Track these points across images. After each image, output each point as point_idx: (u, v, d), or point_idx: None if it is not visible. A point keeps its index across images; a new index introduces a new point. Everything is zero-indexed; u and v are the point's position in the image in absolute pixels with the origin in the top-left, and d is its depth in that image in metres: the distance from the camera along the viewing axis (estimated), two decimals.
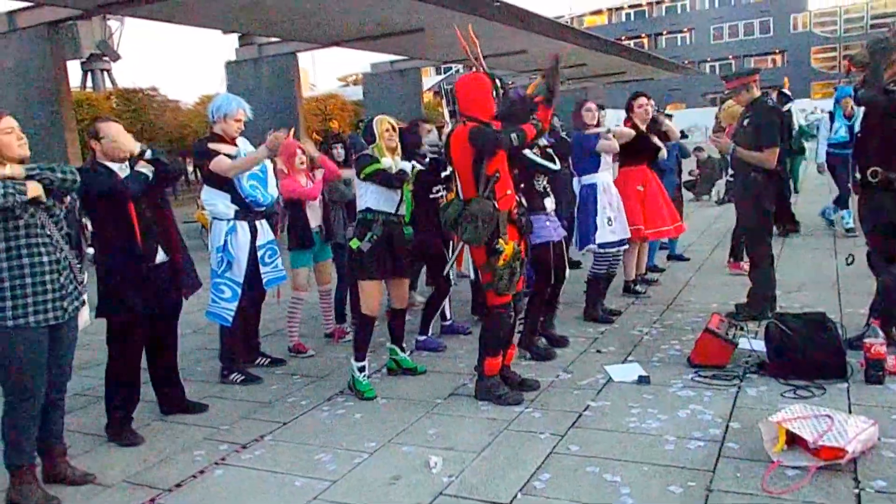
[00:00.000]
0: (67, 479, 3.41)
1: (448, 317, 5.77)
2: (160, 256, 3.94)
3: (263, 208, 4.76)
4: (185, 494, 3.29)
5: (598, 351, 5.04)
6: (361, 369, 4.49)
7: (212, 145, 4.50)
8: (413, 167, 4.63)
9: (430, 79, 32.84)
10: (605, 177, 5.78)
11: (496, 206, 3.97)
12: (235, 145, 4.63)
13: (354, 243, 4.44)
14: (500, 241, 3.98)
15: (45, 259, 3.14)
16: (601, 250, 5.77)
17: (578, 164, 5.83)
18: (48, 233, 3.16)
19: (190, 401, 4.39)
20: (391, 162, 4.44)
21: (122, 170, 3.83)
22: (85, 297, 3.47)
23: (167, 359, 4.26)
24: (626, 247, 6.02)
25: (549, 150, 4.94)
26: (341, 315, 6.06)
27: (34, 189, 3.08)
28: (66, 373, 3.41)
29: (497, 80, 4.04)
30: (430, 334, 5.44)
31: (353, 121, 23.38)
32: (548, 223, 4.87)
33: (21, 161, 3.15)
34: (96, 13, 10.72)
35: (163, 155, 3.97)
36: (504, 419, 3.91)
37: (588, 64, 18.75)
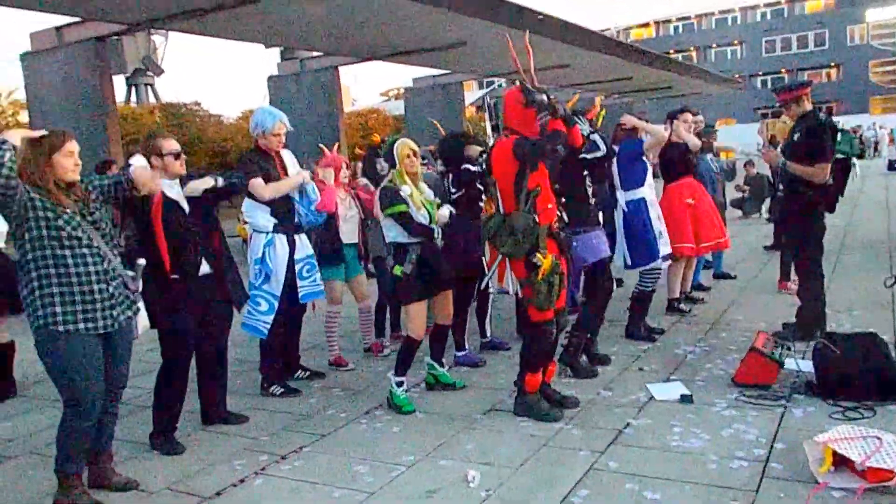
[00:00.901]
0: (112, 484, 3.49)
1: (487, 333, 5.76)
2: (204, 268, 4.03)
3: (310, 226, 4.83)
4: (227, 502, 3.34)
5: (640, 369, 4.97)
6: (400, 384, 4.50)
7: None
8: (437, 203, 4.56)
9: (472, 93, 32.77)
10: (649, 192, 5.70)
11: (536, 219, 3.97)
12: (280, 158, 4.70)
13: (398, 270, 4.40)
14: (539, 255, 3.96)
15: (92, 269, 3.23)
16: (649, 266, 5.68)
17: (624, 177, 5.69)
18: (94, 244, 3.25)
19: (231, 412, 4.45)
20: (411, 189, 4.40)
21: (170, 187, 3.94)
22: (140, 304, 3.54)
23: (215, 370, 4.33)
24: (669, 262, 5.93)
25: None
26: (381, 329, 6.09)
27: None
28: (121, 381, 3.49)
29: (530, 90, 3.98)
30: (468, 349, 5.43)
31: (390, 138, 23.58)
32: (603, 238, 4.85)
33: (70, 184, 3.25)
34: (143, 28, 11.00)
35: (238, 179, 4.11)
36: (543, 435, 3.88)
37: (633, 78, 18.61)
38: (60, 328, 3.15)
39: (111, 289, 3.30)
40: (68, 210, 3.17)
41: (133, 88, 35.60)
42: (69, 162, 3.23)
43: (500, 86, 34.24)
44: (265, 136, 4.62)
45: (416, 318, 4.45)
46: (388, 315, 6.15)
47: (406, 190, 4.38)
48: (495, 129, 4.67)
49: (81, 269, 3.19)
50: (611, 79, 18.74)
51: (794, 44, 53.92)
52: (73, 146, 3.25)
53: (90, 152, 10.70)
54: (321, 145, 5.56)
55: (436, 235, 4.41)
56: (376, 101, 45.94)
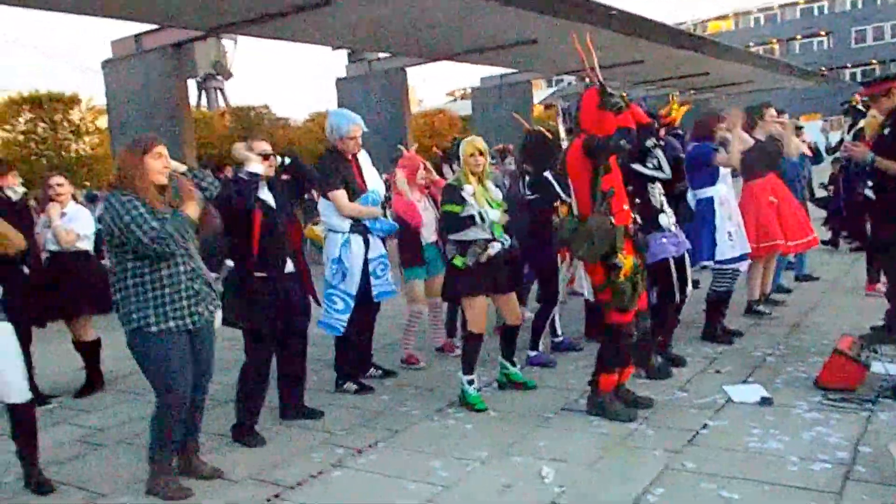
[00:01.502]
0: (199, 473, 3.65)
1: (559, 333, 5.74)
2: (289, 266, 4.18)
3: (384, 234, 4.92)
4: (306, 492, 3.45)
5: (717, 371, 4.87)
6: (470, 382, 4.54)
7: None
8: (504, 206, 4.57)
9: (540, 91, 32.37)
10: (722, 189, 5.56)
11: (612, 221, 3.94)
12: (357, 161, 4.81)
13: (458, 261, 4.41)
14: (619, 256, 3.93)
15: (182, 269, 3.40)
16: (721, 267, 5.55)
17: (694, 177, 5.61)
18: (184, 244, 3.41)
19: (308, 407, 4.58)
20: (473, 188, 4.42)
21: (262, 187, 4.10)
22: (217, 302, 3.71)
23: (296, 366, 4.46)
24: (748, 262, 5.78)
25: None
26: (452, 329, 6.15)
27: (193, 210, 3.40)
28: (207, 374, 3.65)
29: (609, 94, 3.96)
30: (540, 350, 5.44)
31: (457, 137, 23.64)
32: (664, 240, 4.76)
33: (161, 187, 3.41)
34: (218, 34, 11.39)
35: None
36: (616, 434, 3.86)
37: (710, 73, 18.12)
38: (153, 329, 3.32)
39: (196, 286, 3.46)
40: (161, 210, 3.34)
41: (204, 92, 36.77)
42: (158, 164, 3.39)
43: (569, 84, 33.76)
44: (342, 139, 4.72)
45: (475, 312, 4.47)
46: (459, 314, 6.20)
47: (469, 189, 4.41)
48: (570, 132, 4.63)
49: (172, 270, 3.36)
50: (686, 74, 18.30)
51: (887, 33, 50.40)
52: (161, 149, 3.42)
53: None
54: (400, 146, 5.67)
55: (499, 238, 4.42)
56: (442, 102, 46.11)
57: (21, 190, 5.33)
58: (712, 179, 5.50)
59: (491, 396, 4.67)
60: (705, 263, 5.62)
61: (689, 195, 5.62)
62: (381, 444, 4.01)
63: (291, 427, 4.38)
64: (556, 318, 5.62)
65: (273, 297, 4.09)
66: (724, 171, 5.59)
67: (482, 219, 4.39)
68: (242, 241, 4.06)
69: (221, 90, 37.40)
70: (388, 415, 4.50)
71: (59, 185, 5.27)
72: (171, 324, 3.35)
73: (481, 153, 4.47)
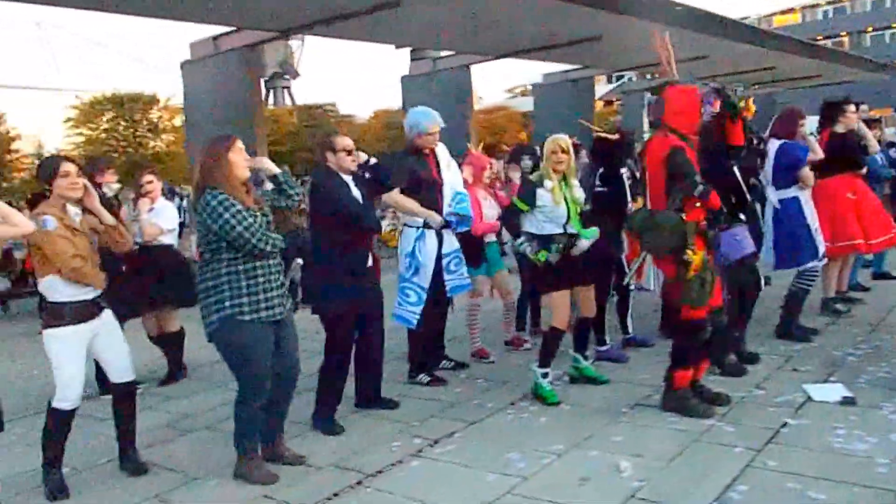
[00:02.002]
0: (284, 459, 3.78)
1: (629, 329, 5.71)
2: (369, 262, 4.33)
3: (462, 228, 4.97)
4: (388, 480, 3.54)
5: (795, 370, 4.78)
6: (545, 375, 4.57)
7: None
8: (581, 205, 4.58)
9: (601, 87, 31.88)
10: (806, 191, 5.42)
11: (683, 217, 3.92)
12: (435, 155, 4.87)
13: (542, 255, 4.42)
14: (689, 251, 3.91)
15: (271, 261, 3.55)
16: (806, 266, 5.40)
17: (779, 176, 5.43)
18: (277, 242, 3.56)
19: (383, 397, 4.69)
20: (553, 184, 4.42)
21: (350, 183, 4.24)
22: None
23: (375, 356, 4.57)
24: (825, 261, 5.63)
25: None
26: (522, 323, 6.18)
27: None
28: (295, 367, 3.77)
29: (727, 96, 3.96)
30: (609, 345, 5.42)
31: (519, 132, 23.46)
32: (745, 235, 4.72)
33: (243, 183, 3.54)
34: (291, 35, 11.64)
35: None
36: (694, 431, 3.84)
37: (777, 67, 17.60)
38: (246, 317, 3.46)
39: (282, 279, 3.61)
40: (252, 207, 3.48)
41: (271, 92, 37.57)
42: (240, 159, 3.53)
43: (629, 80, 33.23)
44: (421, 136, 4.78)
45: (558, 308, 4.49)
46: (528, 309, 6.23)
47: (548, 184, 4.43)
48: (652, 125, 4.62)
49: (263, 262, 3.50)
50: (752, 69, 17.82)
51: None
52: (240, 144, 3.57)
53: None
54: (469, 145, 5.73)
55: (585, 236, 4.44)
56: (502, 99, 45.96)
57: (115, 187, 5.59)
58: (796, 179, 5.37)
59: (562, 390, 4.69)
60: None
61: (772, 195, 5.50)
62: (458, 434, 4.08)
63: (367, 417, 4.49)
64: (629, 314, 5.60)
65: (355, 289, 4.20)
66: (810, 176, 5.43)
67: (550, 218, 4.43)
68: (330, 233, 4.19)
69: (288, 89, 38.10)
70: (462, 407, 4.57)
71: (148, 182, 5.51)
72: (262, 314, 3.48)
73: (564, 151, 4.47)
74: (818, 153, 5.37)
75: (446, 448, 3.90)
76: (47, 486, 3.60)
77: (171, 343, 5.72)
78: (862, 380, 4.46)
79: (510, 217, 4.50)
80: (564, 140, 4.53)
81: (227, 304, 3.45)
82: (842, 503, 2.93)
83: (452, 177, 4.92)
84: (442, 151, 4.93)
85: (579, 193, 4.57)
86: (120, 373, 3.77)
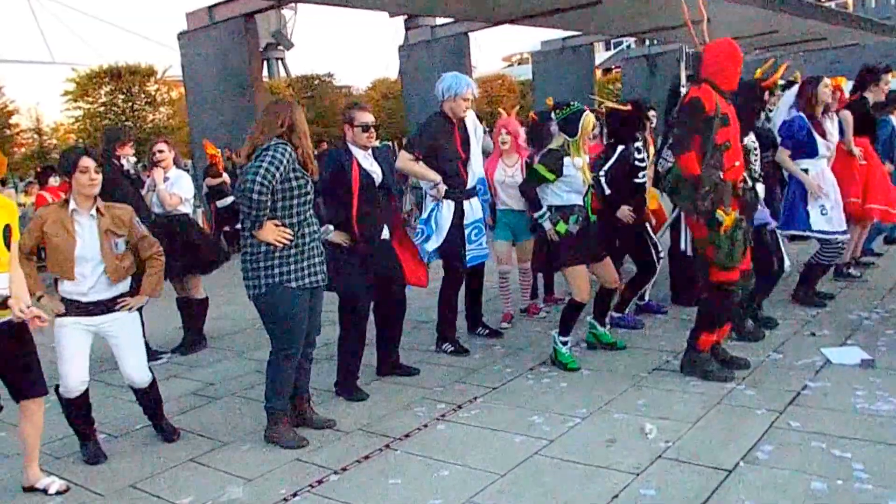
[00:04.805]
0: (312, 423, 3.85)
1: (645, 296, 5.75)
2: (385, 234, 4.34)
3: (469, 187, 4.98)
4: (416, 443, 3.60)
5: (812, 334, 4.82)
6: (565, 343, 4.62)
7: None
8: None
9: (599, 55, 31.41)
10: (821, 164, 5.34)
11: (721, 176, 3.92)
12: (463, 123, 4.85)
13: (562, 227, 4.43)
14: (721, 211, 3.90)
15: (315, 228, 3.65)
16: (829, 238, 5.35)
17: (795, 148, 5.33)
18: (313, 203, 3.63)
19: (404, 364, 4.74)
20: (583, 161, 4.42)
21: (365, 157, 4.24)
22: None
23: (394, 327, 4.62)
24: (848, 237, 5.60)
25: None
26: (534, 292, 6.21)
27: None
28: (318, 330, 3.86)
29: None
30: (626, 312, 5.46)
31: (518, 101, 23.21)
32: (761, 208, 4.71)
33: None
34: (284, 4, 11.49)
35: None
36: (715, 394, 3.88)
37: (779, 31, 17.39)
38: (293, 284, 3.53)
39: (319, 247, 3.67)
40: (310, 178, 3.57)
41: (265, 63, 37.16)
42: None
43: (628, 47, 32.72)
44: (455, 99, 4.74)
45: (578, 280, 4.51)
46: (540, 277, 6.26)
47: (578, 162, 4.42)
48: (690, 78, 4.61)
49: (307, 230, 3.58)
50: (755, 33, 17.60)
51: None
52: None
53: (239, 124, 11.42)
54: (501, 110, 5.74)
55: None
56: (499, 68, 45.44)
57: (133, 160, 5.59)
58: (813, 153, 5.29)
59: (580, 356, 4.74)
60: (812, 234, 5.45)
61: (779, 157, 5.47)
62: (480, 399, 4.14)
63: (389, 384, 4.55)
64: (651, 281, 5.64)
65: (368, 260, 4.23)
66: (829, 146, 5.36)
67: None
68: (343, 207, 4.20)
69: (282, 60, 37.72)
70: (483, 373, 4.62)
71: (160, 151, 5.52)
72: (306, 280, 3.57)
73: (594, 128, 4.55)
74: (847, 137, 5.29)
75: (470, 412, 3.96)
76: (85, 453, 3.68)
77: (195, 310, 5.76)
78: (881, 342, 4.50)
79: (531, 184, 4.49)
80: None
81: (275, 270, 3.51)
82: (868, 461, 2.98)
83: (476, 152, 4.89)
84: (470, 118, 4.90)
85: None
86: (129, 375, 3.77)
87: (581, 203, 4.50)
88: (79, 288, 3.55)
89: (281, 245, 3.48)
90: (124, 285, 3.70)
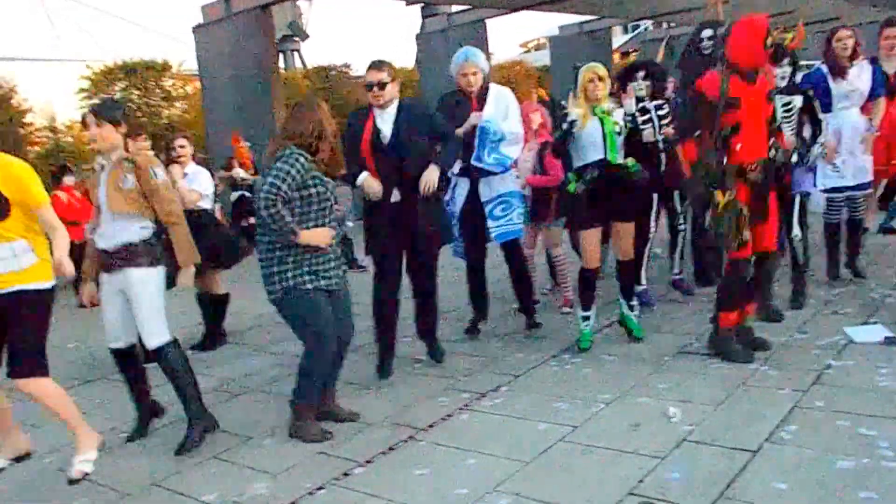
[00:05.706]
0: (336, 417, 3.88)
1: (676, 268, 5.74)
2: (395, 196, 4.29)
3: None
4: (440, 433, 3.63)
5: (834, 313, 4.80)
6: (585, 319, 4.64)
7: None
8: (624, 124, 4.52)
9: (617, 38, 31.15)
10: (840, 117, 5.20)
11: (723, 159, 3.91)
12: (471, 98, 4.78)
13: (572, 187, 4.45)
14: (717, 192, 3.92)
15: (333, 233, 3.67)
16: (830, 195, 5.26)
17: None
18: (332, 209, 3.66)
19: (434, 346, 4.76)
20: (582, 110, 4.38)
21: (380, 116, 4.29)
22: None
23: (422, 288, 4.61)
24: (869, 191, 5.44)
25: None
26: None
27: None
28: (349, 330, 3.87)
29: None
30: (645, 286, 5.42)
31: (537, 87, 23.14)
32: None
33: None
34: None
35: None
36: (738, 376, 3.89)
37: (794, 11, 17.21)
38: (309, 286, 3.58)
39: (338, 249, 3.74)
40: (330, 183, 3.62)
41: (281, 55, 37.12)
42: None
43: (645, 29, 32.48)
44: (457, 74, 4.76)
45: (586, 246, 4.53)
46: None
47: (572, 115, 4.39)
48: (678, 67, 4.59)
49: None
50: (773, 13, 17.43)
51: None
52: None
53: (256, 117, 11.43)
54: (534, 92, 5.76)
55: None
56: (516, 54, 45.13)
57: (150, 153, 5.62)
58: (824, 107, 5.13)
59: (604, 341, 4.75)
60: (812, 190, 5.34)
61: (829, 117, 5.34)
62: (503, 388, 4.16)
63: (411, 374, 4.58)
64: (677, 255, 5.62)
65: (385, 221, 4.29)
66: (847, 101, 5.23)
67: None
68: (358, 166, 4.26)
69: (298, 51, 37.69)
70: (504, 361, 4.64)
71: (181, 146, 5.56)
72: (322, 282, 3.62)
73: (601, 79, 4.43)
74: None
75: (494, 401, 3.98)
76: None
77: (215, 306, 5.80)
78: None
79: (559, 148, 4.53)
80: (600, 68, 4.49)
81: (289, 275, 3.56)
82: (894, 438, 2.97)
83: (503, 122, 4.72)
84: (492, 93, 4.79)
85: (618, 116, 4.49)
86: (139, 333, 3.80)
87: (599, 157, 4.42)
88: (97, 229, 3.75)
89: (326, 245, 3.58)
90: (130, 234, 3.67)
